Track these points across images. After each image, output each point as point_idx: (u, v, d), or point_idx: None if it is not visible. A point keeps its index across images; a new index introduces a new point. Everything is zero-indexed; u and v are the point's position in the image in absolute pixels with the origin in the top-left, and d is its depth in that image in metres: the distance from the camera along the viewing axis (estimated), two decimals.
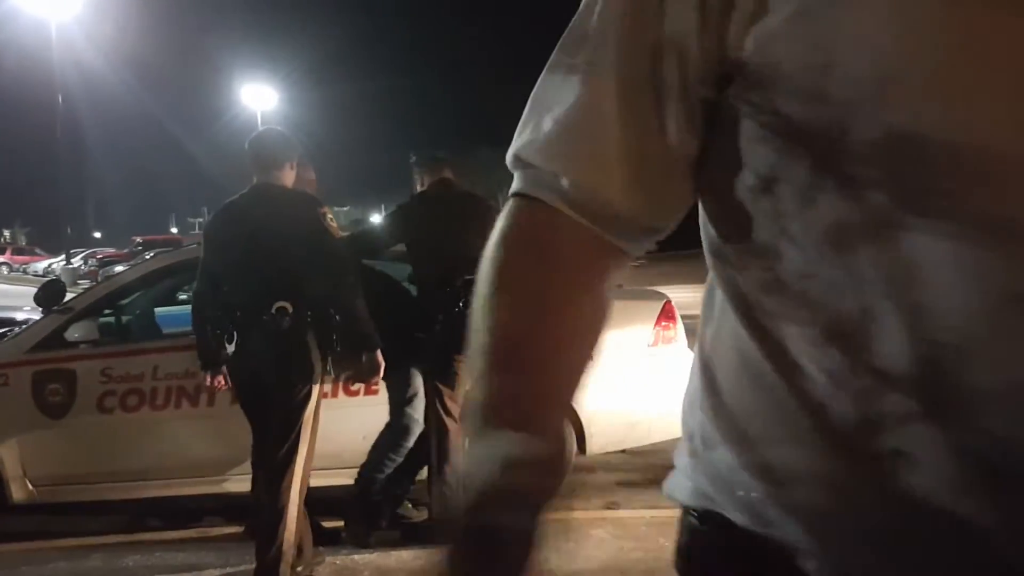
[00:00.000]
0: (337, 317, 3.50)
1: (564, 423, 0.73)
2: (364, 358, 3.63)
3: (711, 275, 0.78)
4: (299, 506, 3.48)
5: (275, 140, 3.68)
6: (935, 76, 0.57)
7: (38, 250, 49.40)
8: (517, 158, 0.75)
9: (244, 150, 3.64)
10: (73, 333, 4.50)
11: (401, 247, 4.17)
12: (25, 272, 39.41)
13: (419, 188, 4.16)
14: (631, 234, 0.74)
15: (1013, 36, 0.56)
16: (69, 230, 41.02)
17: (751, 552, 0.72)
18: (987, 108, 0.56)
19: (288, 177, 3.62)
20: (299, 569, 3.55)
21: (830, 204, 0.63)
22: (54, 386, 4.38)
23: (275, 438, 3.44)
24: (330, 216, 3.57)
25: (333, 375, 3.82)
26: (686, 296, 5.29)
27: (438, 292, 3.89)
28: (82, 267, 33.14)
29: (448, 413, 3.92)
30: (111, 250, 44.05)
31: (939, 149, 0.57)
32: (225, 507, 4.55)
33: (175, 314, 5.59)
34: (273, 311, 3.41)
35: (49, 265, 38.60)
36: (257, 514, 3.61)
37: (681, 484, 0.80)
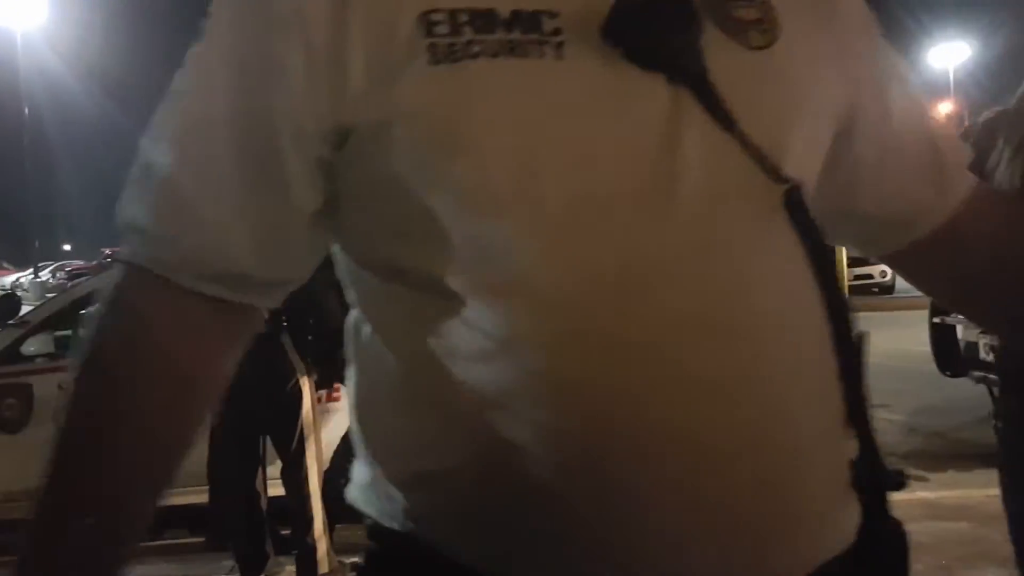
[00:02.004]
0: (311, 319, 3.51)
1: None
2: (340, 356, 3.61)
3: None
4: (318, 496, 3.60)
5: None
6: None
7: (5, 264, 48.77)
8: (130, 224, 0.73)
9: None
10: (29, 347, 4.46)
11: None
12: None
13: None
14: (262, 290, 0.76)
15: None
16: (37, 243, 40.54)
17: (412, 556, 0.72)
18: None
19: None
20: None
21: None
22: (10, 401, 4.34)
23: (276, 442, 3.49)
24: None
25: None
26: None
27: None
28: (51, 280, 32.80)
29: None
30: (80, 262, 43.56)
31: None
32: (187, 518, 4.51)
33: None
34: None
35: (17, 279, 38.11)
36: (217, 524, 3.61)
37: (353, 492, 0.80)
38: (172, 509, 4.39)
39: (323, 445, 3.92)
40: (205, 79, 0.73)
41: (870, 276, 16.72)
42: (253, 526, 3.71)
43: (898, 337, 8.75)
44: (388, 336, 0.74)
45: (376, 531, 0.77)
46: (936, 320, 6.08)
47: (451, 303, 0.68)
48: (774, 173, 0.69)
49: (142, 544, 0.76)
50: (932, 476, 4.84)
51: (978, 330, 5.79)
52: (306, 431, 3.50)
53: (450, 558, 0.70)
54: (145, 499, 0.74)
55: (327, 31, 0.67)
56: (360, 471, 0.78)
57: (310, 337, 3.51)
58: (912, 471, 4.84)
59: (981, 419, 6.04)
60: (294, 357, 3.44)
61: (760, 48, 0.72)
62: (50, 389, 4.35)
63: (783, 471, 0.67)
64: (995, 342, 5.50)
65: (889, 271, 17.01)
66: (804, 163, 0.73)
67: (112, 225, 0.74)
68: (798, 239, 0.70)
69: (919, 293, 1.02)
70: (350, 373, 0.79)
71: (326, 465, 3.95)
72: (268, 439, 3.72)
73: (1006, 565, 3.42)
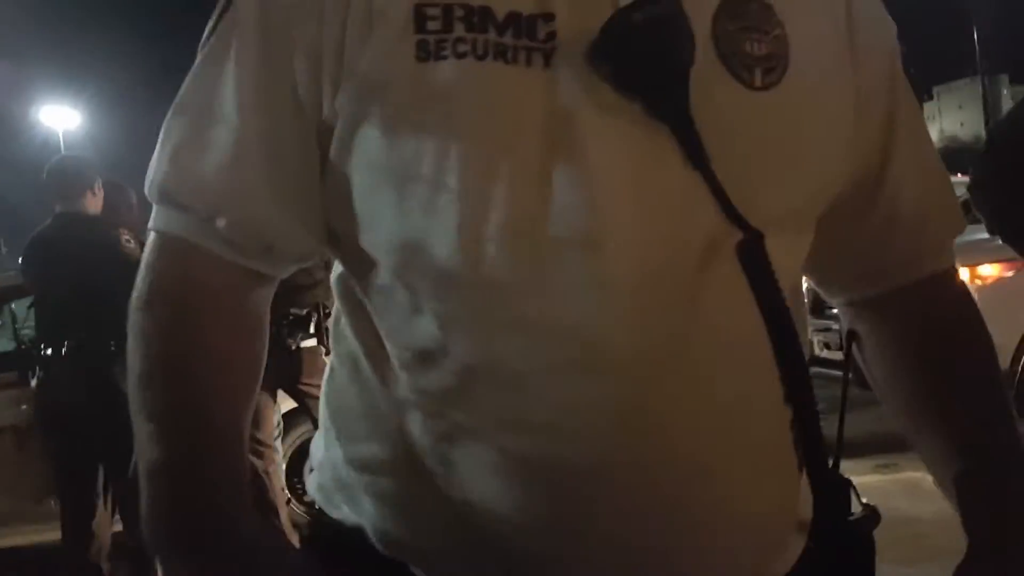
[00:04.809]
0: None
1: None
2: None
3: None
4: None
5: (74, 166, 3.67)
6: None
7: None
8: (165, 193, 0.74)
9: (43, 180, 3.62)
10: None
11: None
12: None
13: None
14: (282, 263, 0.77)
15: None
16: None
17: (347, 548, 0.75)
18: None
19: (91, 203, 3.56)
20: None
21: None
22: None
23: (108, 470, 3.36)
24: (127, 238, 3.47)
25: None
26: None
27: None
28: None
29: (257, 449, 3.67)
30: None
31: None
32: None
33: None
34: (74, 343, 3.38)
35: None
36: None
37: (309, 476, 0.84)
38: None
39: None
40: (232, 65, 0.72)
41: None
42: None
43: None
44: (351, 322, 0.77)
45: (319, 519, 0.80)
46: None
47: (391, 290, 0.71)
48: (737, 220, 0.68)
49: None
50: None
51: (812, 328, 6.04)
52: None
53: (382, 553, 0.73)
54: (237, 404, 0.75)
55: (333, 23, 0.68)
56: (317, 454, 0.82)
57: None
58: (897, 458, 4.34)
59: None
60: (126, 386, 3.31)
61: (761, 89, 0.70)
62: None
63: (717, 513, 0.68)
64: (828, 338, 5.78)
65: None
66: (781, 211, 0.71)
67: None
68: (749, 287, 0.68)
69: None
70: (329, 360, 0.83)
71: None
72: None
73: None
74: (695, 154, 0.66)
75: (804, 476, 0.75)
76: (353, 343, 0.76)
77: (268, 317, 0.78)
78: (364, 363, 0.75)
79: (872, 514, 0.79)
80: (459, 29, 0.66)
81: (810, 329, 4.81)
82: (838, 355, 5.37)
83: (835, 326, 5.47)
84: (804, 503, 0.76)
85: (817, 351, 5.91)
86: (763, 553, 0.73)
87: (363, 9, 0.67)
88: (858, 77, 0.77)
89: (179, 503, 0.69)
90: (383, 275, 0.71)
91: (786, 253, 0.71)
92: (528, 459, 0.67)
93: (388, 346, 0.72)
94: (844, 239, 0.82)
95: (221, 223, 0.72)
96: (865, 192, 0.81)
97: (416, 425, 0.71)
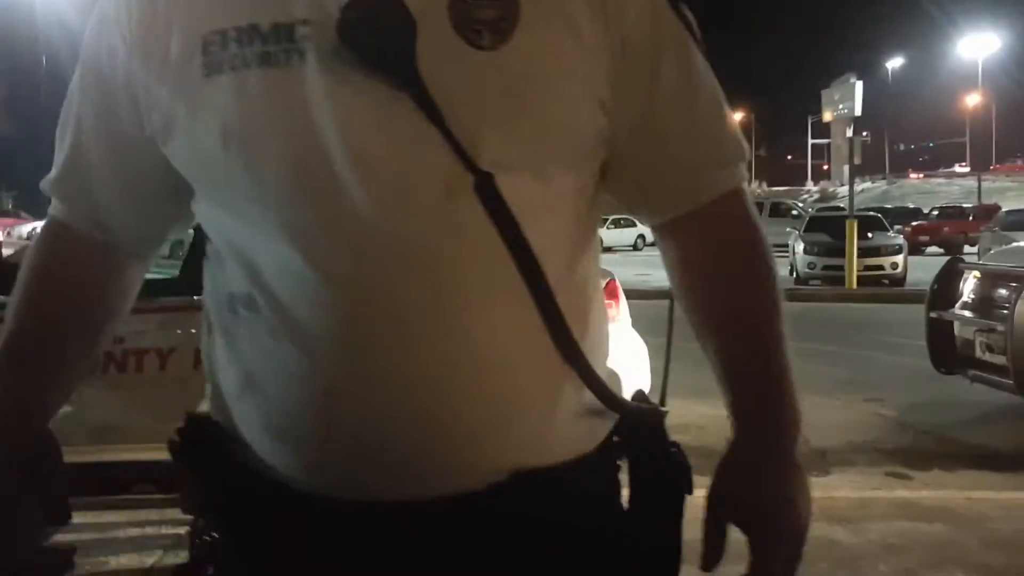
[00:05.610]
0: None
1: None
2: None
3: None
4: None
5: None
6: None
7: (23, 213, 49.09)
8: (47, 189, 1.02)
9: None
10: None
11: None
12: (9, 235, 39.18)
13: None
14: (134, 241, 1.01)
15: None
16: None
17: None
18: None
19: None
20: None
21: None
22: None
23: None
24: None
25: None
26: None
27: None
28: None
29: None
30: None
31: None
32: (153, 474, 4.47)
33: None
34: None
35: (33, 228, 38.36)
36: None
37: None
38: (135, 465, 4.37)
39: None
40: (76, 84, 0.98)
41: (880, 267, 16.50)
42: None
43: (903, 330, 8.69)
44: (209, 276, 0.95)
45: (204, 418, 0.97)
46: (933, 315, 5.94)
47: (230, 254, 0.89)
48: (469, 163, 0.80)
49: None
50: (915, 475, 4.69)
51: (975, 327, 5.68)
52: None
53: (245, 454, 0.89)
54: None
55: (133, 46, 0.90)
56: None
57: None
58: (895, 469, 4.80)
59: (973, 419, 5.95)
60: None
61: (489, 49, 0.82)
62: None
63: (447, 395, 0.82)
64: (992, 340, 5.41)
65: (900, 263, 17.03)
66: (510, 156, 0.83)
67: None
68: (489, 220, 0.82)
69: None
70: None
71: None
72: None
73: (973, 571, 3.35)
74: (427, 109, 0.79)
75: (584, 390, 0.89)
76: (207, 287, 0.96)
77: (115, 277, 1.01)
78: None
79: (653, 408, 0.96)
80: (232, 47, 0.83)
81: (972, 329, 4.58)
82: (1001, 359, 5.09)
83: (1000, 327, 5.12)
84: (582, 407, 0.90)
85: (979, 353, 5.49)
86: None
87: (161, 48, 0.87)
88: (613, 33, 0.86)
89: None
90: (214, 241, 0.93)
91: (525, 193, 0.83)
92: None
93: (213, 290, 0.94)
94: (630, 177, 0.94)
95: (60, 203, 1.00)
96: (636, 136, 0.91)
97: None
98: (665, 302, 2.99)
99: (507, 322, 0.83)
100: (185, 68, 0.85)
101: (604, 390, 0.90)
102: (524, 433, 0.85)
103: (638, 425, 0.93)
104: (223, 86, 0.83)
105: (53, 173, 0.99)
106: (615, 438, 0.93)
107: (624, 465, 0.95)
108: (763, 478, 0.93)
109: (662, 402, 0.94)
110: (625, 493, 0.94)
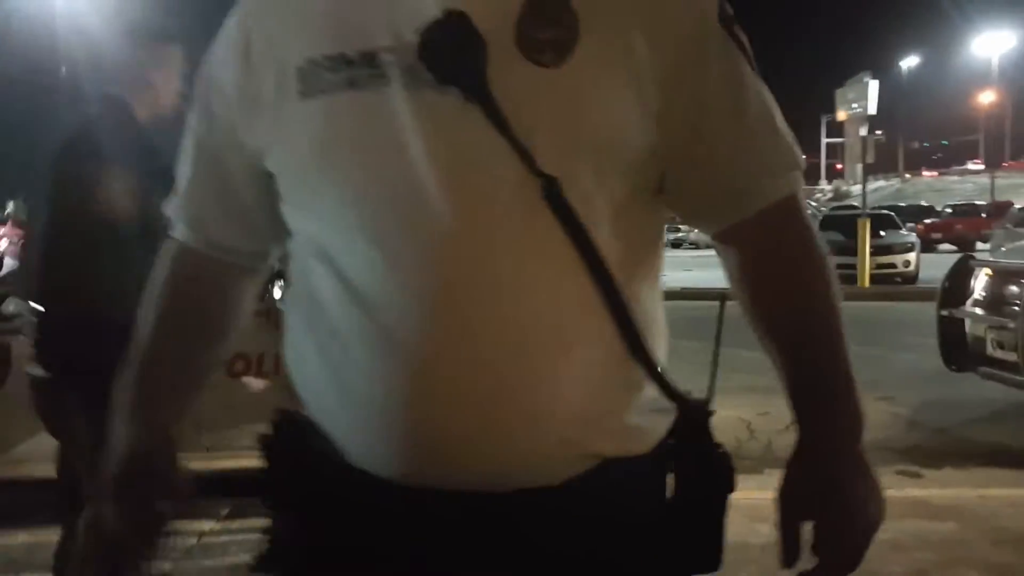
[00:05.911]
0: None
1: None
2: None
3: None
4: None
5: None
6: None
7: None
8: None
9: None
10: (8, 307, 4.42)
11: None
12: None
13: None
14: (244, 257, 1.12)
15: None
16: None
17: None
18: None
19: None
20: None
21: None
22: None
23: None
24: None
25: None
26: None
27: None
28: None
29: None
30: None
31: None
32: None
33: None
34: None
35: None
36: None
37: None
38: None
39: None
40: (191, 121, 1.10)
41: (893, 265, 16.40)
42: None
43: (914, 328, 8.63)
44: (295, 282, 1.03)
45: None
46: (944, 313, 5.89)
47: (317, 258, 0.96)
48: (534, 169, 0.88)
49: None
50: (927, 472, 4.66)
51: (985, 324, 5.63)
52: None
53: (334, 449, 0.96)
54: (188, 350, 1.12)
55: (240, 82, 1.01)
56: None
57: None
58: (906, 467, 4.76)
59: (984, 417, 5.89)
60: None
61: (549, 66, 0.90)
62: (28, 349, 4.32)
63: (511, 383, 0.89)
64: (1004, 337, 5.36)
65: (912, 261, 16.88)
66: (574, 162, 0.90)
67: None
68: (555, 220, 0.89)
69: None
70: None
71: None
72: None
73: (985, 570, 3.31)
74: (495, 120, 0.88)
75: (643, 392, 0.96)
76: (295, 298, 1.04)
77: (232, 290, 1.14)
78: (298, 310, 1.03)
79: (724, 454, 1.00)
80: (324, 74, 0.94)
81: (984, 326, 4.56)
82: (1013, 356, 5.07)
83: (1011, 324, 5.10)
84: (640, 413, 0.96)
85: (991, 350, 5.45)
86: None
87: (258, 83, 0.99)
88: (665, 51, 0.93)
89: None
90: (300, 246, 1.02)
91: (587, 199, 0.90)
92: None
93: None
94: (683, 188, 1.00)
95: (181, 226, 1.12)
96: (687, 148, 0.97)
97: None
98: (677, 303, 2.98)
99: (574, 312, 0.91)
100: (281, 93, 0.96)
101: (669, 386, 0.97)
102: (606, 427, 0.93)
103: (690, 424, 0.99)
104: (317, 107, 0.93)
105: (174, 199, 1.11)
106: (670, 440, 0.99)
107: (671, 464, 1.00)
108: (833, 477, 0.97)
109: (708, 402, 0.99)
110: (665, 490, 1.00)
